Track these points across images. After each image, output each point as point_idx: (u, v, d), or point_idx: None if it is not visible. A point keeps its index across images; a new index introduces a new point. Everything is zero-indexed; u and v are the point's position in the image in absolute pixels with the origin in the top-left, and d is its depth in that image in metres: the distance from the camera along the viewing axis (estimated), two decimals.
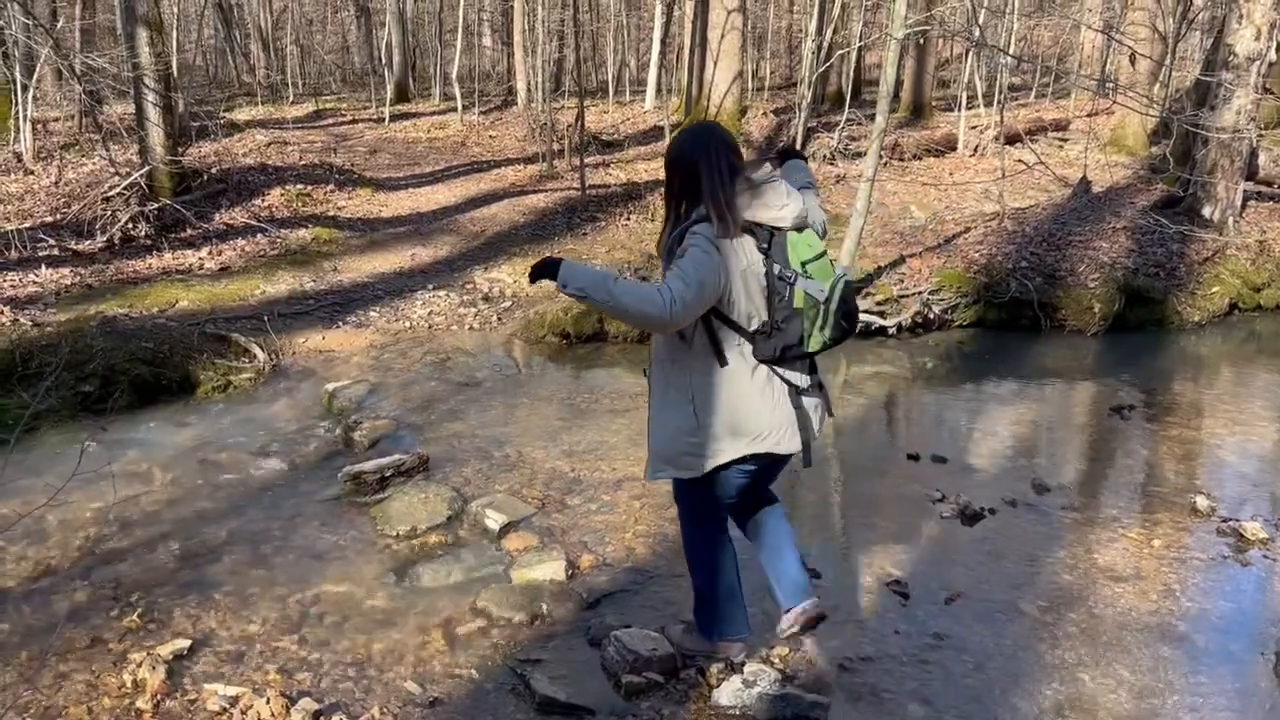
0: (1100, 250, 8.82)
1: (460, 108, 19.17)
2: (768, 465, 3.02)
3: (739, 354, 2.87)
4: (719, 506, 3.14)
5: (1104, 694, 3.33)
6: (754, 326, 2.84)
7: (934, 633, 3.64)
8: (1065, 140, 15.97)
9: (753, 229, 2.80)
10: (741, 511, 3.25)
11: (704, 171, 2.80)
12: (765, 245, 2.80)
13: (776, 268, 2.79)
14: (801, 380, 2.95)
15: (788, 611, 3.17)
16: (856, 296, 2.95)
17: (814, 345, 2.85)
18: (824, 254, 2.87)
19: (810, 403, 2.97)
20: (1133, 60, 13.51)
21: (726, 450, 2.91)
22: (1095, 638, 3.66)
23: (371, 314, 7.68)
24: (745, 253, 2.79)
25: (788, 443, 2.93)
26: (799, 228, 2.84)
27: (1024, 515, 4.69)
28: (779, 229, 2.81)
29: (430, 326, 7.47)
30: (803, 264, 2.80)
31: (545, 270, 2.74)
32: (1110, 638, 3.66)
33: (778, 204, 2.81)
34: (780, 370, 2.90)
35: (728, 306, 2.82)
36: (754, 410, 2.88)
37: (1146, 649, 3.60)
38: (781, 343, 2.83)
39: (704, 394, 2.89)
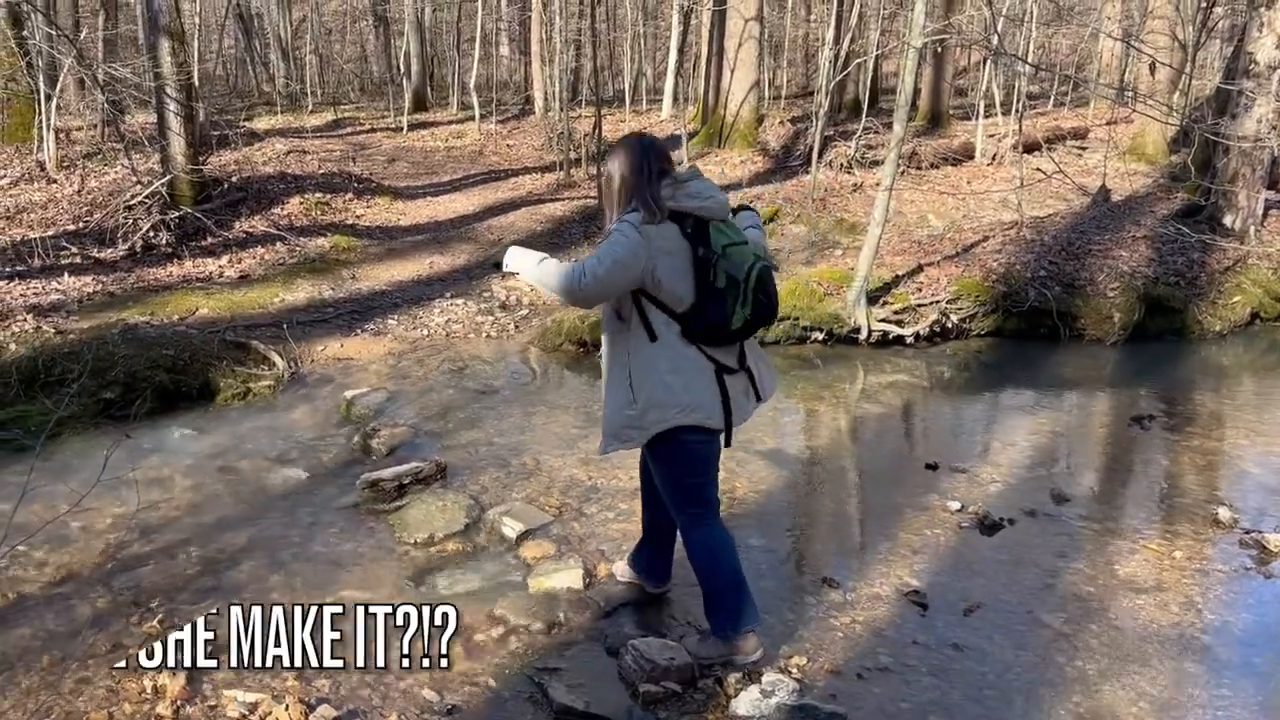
0: (1120, 259, 8.77)
1: (478, 117, 19.25)
2: (708, 443, 3.24)
3: (669, 333, 3.14)
4: (696, 489, 3.33)
5: (1125, 707, 3.30)
6: (683, 309, 3.11)
7: (953, 643, 3.63)
8: (1084, 149, 15.91)
9: (679, 218, 3.10)
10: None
11: (636, 172, 3.14)
12: (689, 230, 3.09)
13: (700, 250, 3.08)
14: (728, 359, 3.21)
15: (734, 633, 3.40)
16: (776, 281, 3.25)
17: (737, 323, 3.11)
18: (744, 243, 3.15)
19: (736, 383, 3.22)
20: (1153, 69, 13.45)
21: (658, 421, 3.15)
22: (1116, 650, 3.63)
23: (390, 322, 7.71)
24: (672, 238, 3.08)
25: (715, 419, 3.18)
26: (722, 219, 3.16)
27: (1043, 526, 4.66)
28: (702, 218, 3.11)
29: (448, 334, 7.50)
30: (723, 248, 3.09)
31: (499, 261, 3.29)
32: (1131, 650, 3.63)
33: (702, 195, 3.14)
34: (709, 350, 3.16)
35: (656, 288, 3.09)
36: (682, 385, 3.14)
37: (1168, 662, 3.57)
38: (707, 321, 3.11)
39: (639, 370, 3.17)
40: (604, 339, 3.33)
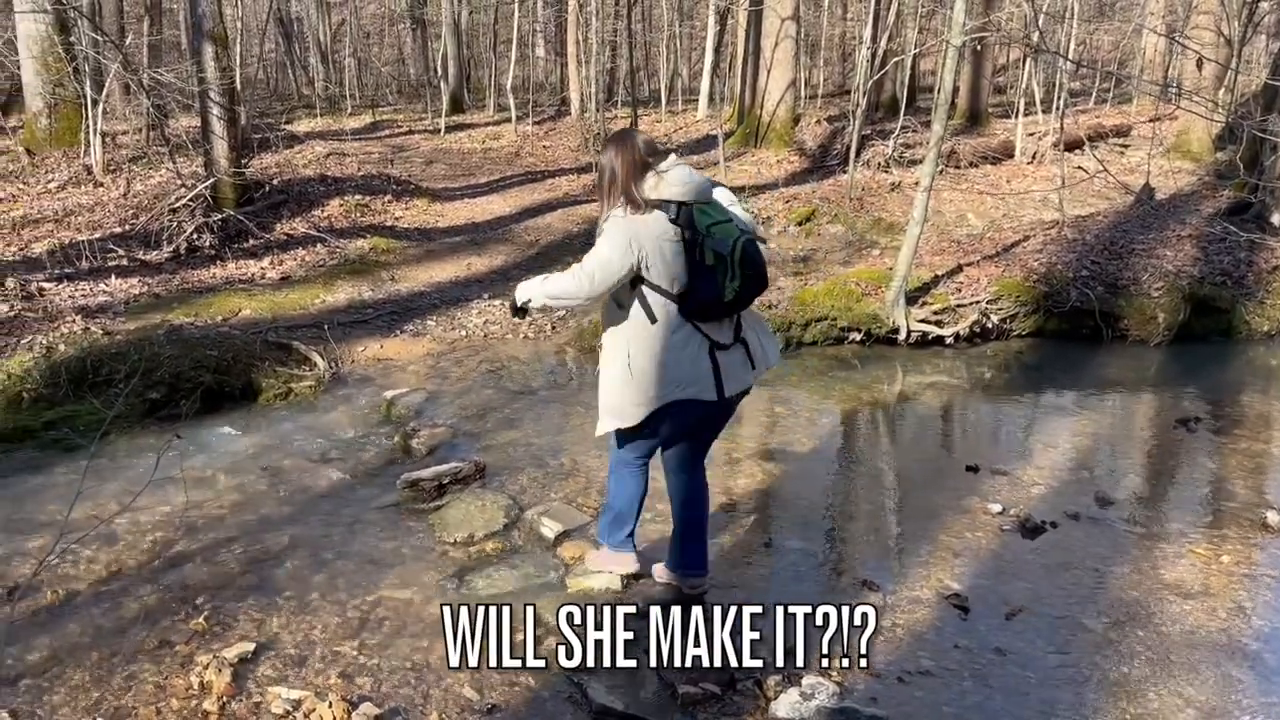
0: (1164, 258, 8.64)
1: (514, 118, 19.36)
2: (703, 413, 3.52)
3: (665, 314, 3.39)
4: (647, 452, 3.69)
5: (1172, 713, 3.25)
6: (678, 289, 3.37)
7: (995, 647, 3.59)
8: (1127, 146, 15.69)
9: (664, 205, 3.36)
10: (675, 460, 3.73)
11: (621, 166, 3.41)
12: (675, 216, 3.36)
13: (687, 233, 3.35)
14: (723, 337, 3.47)
15: (678, 570, 3.83)
16: (762, 253, 3.48)
17: (729, 295, 3.35)
18: (728, 221, 3.40)
19: (730, 358, 3.48)
20: (1200, 65, 13.23)
21: (655, 398, 3.43)
22: (1162, 656, 3.58)
23: (429, 323, 7.77)
24: (659, 224, 3.35)
25: (708, 393, 3.44)
26: (703, 202, 3.40)
27: (1087, 529, 4.60)
28: (685, 203, 3.37)
29: (485, 335, 7.54)
30: (707, 228, 3.35)
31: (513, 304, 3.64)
32: (1178, 656, 3.58)
33: (681, 182, 3.39)
34: (703, 327, 3.42)
35: (648, 272, 3.36)
36: (676, 362, 3.41)
37: (1216, 668, 3.51)
38: (702, 297, 3.36)
39: (636, 351, 3.43)
40: (603, 324, 3.59)
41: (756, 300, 3.54)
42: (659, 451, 3.74)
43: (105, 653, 3.48)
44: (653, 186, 3.38)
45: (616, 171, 3.42)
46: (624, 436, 3.66)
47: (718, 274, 3.33)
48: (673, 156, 3.54)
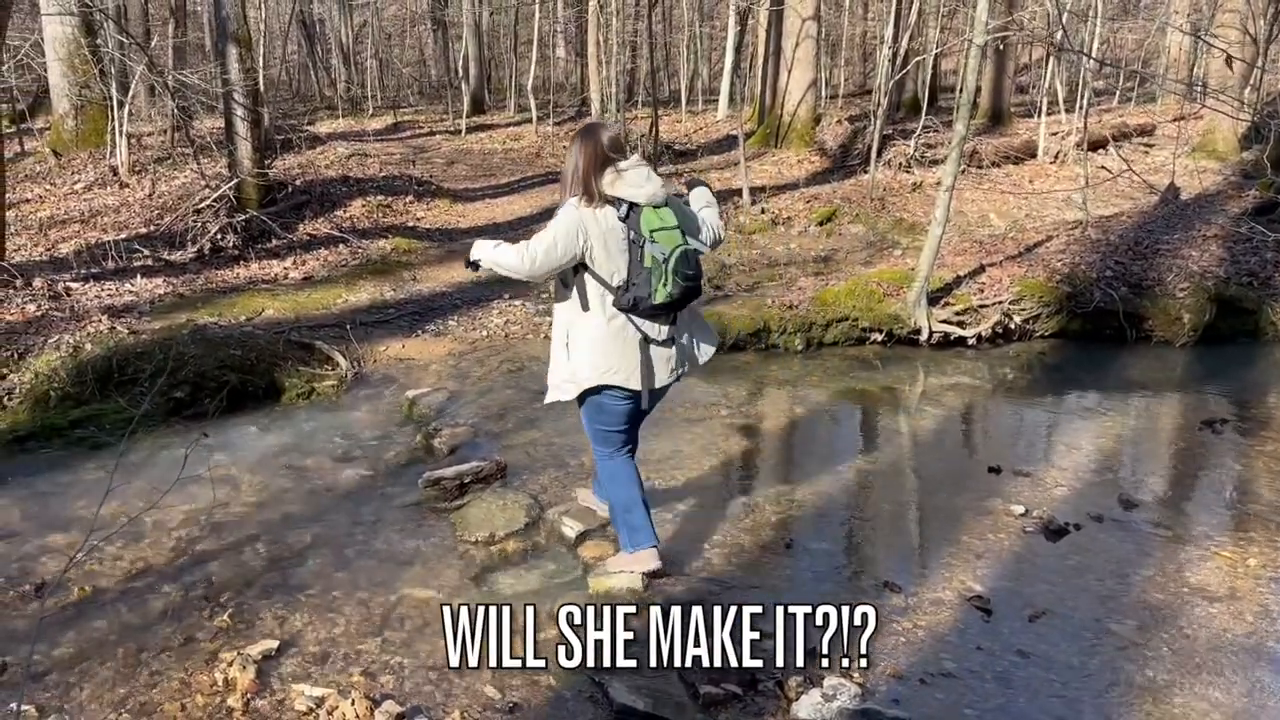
0: (1189, 259, 8.56)
1: (535, 119, 19.40)
2: (629, 400, 3.71)
3: (602, 304, 3.60)
4: (611, 435, 3.84)
5: (1198, 718, 3.22)
6: (616, 282, 3.57)
7: (1018, 650, 3.57)
8: (1151, 146, 15.57)
9: (616, 202, 3.54)
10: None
11: (583, 158, 3.58)
12: (624, 215, 3.54)
13: (631, 232, 3.53)
14: (656, 332, 3.66)
15: (634, 548, 3.92)
16: (700, 263, 3.67)
17: (660, 298, 3.53)
18: (674, 228, 3.57)
19: (660, 353, 3.68)
20: (1229, 63, 13.10)
21: (586, 379, 3.66)
22: (1187, 659, 3.55)
23: (450, 323, 7.80)
24: (607, 219, 3.54)
25: (635, 382, 3.64)
26: (655, 205, 3.56)
27: (1111, 531, 4.57)
28: (636, 204, 3.54)
29: (506, 335, 7.56)
30: (651, 232, 3.52)
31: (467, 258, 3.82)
32: (1203, 659, 3.55)
33: (637, 183, 3.55)
34: (636, 320, 3.62)
35: (593, 263, 3.57)
36: (608, 350, 3.62)
37: (1242, 672, 3.48)
38: (635, 295, 3.55)
39: (575, 334, 3.68)
40: (554, 301, 3.83)
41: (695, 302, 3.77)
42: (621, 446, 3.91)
43: (131, 649, 3.51)
44: (610, 182, 3.55)
45: (578, 163, 3.59)
46: (586, 423, 3.89)
47: (653, 276, 3.52)
48: (635, 157, 3.68)
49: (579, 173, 3.59)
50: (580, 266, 3.59)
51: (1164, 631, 3.72)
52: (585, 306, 3.63)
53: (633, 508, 3.89)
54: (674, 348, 3.72)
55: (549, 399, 3.86)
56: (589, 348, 3.64)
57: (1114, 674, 3.46)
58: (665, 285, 3.52)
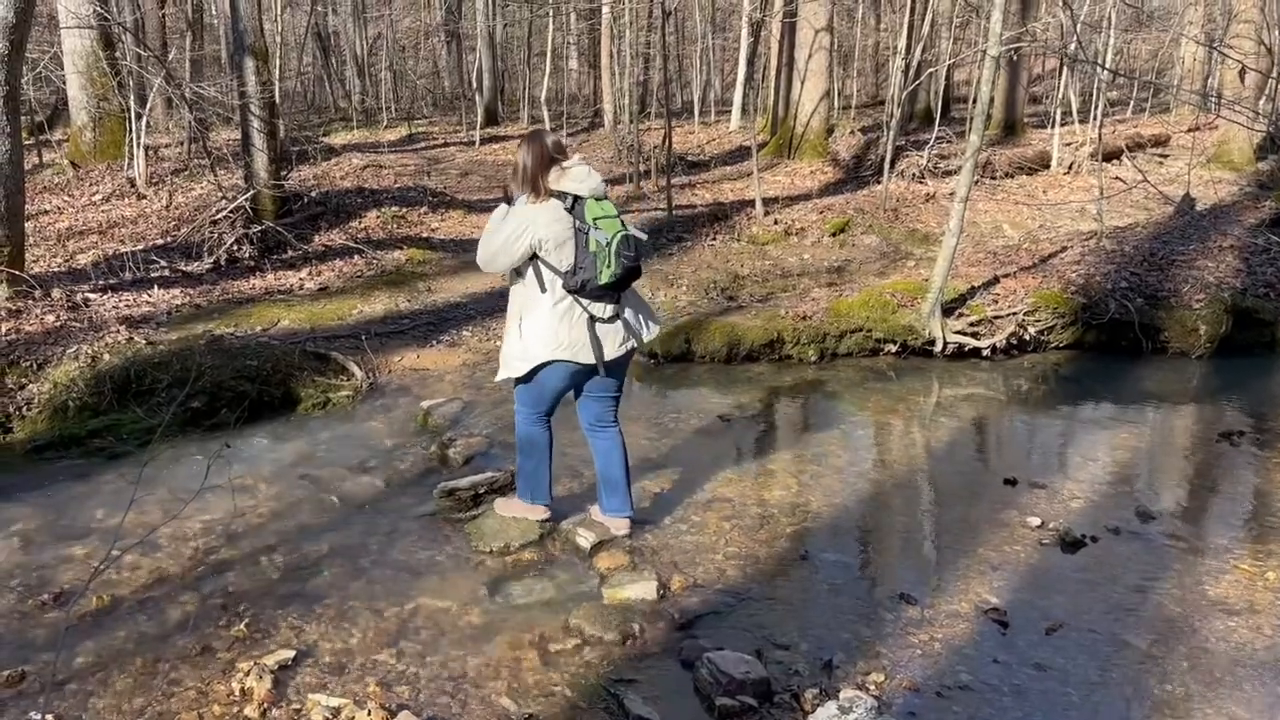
0: (1205, 270, 8.52)
1: (548, 130, 19.42)
2: (580, 373, 4.13)
3: (552, 287, 4.00)
4: (542, 401, 4.23)
5: None
6: (564, 267, 3.97)
7: (1035, 663, 3.55)
8: (1166, 156, 15.52)
9: (562, 195, 3.96)
10: (586, 420, 4.40)
11: (530, 159, 4.00)
12: (569, 206, 3.96)
13: (576, 222, 3.95)
14: (601, 311, 4.05)
15: (606, 513, 4.44)
16: (641, 246, 4.07)
17: (605, 279, 3.94)
18: (614, 216, 4.01)
19: (606, 329, 4.07)
20: (1242, 74, 13.07)
21: (536, 355, 4.07)
22: (1207, 673, 3.52)
23: (464, 333, 7.83)
24: (554, 211, 3.96)
25: (583, 356, 4.04)
26: (597, 197, 4.00)
27: (1128, 544, 4.54)
28: (580, 196, 3.97)
29: None
30: (594, 220, 3.94)
31: None
32: (1223, 673, 3.52)
33: (579, 178, 4.00)
34: (583, 301, 4.01)
35: (543, 251, 3.97)
36: (556, 328, 4.02)
37: (1263, 686, 3.45)
38: (582, 278, 3.94)
39: (526, 315, 4.08)
40: (509, 291, 4.20)
41: (636, 283, 4.18)
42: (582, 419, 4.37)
43: (149, 658, 3.53)
44: (555, 179, 3.98)
45: (526, 164, 4.01)
46: (519, 388, 4.25)
47: (598, 260, 3.91)
48: (576, 156, 4.12)
49: (527, 171, 4.00)
50: (533, 256, 4.00)
51: (1182, 645, 3.70)
52: (541, 289, 4.02)
53: (539, 470, 4.40)
54: (619, 323, 4.12)
55: (500, 376, 4.24)
56: (542, 327, 4.03)
57: (1131, 688, 3.44)
58: (609, 267, 3.92)
